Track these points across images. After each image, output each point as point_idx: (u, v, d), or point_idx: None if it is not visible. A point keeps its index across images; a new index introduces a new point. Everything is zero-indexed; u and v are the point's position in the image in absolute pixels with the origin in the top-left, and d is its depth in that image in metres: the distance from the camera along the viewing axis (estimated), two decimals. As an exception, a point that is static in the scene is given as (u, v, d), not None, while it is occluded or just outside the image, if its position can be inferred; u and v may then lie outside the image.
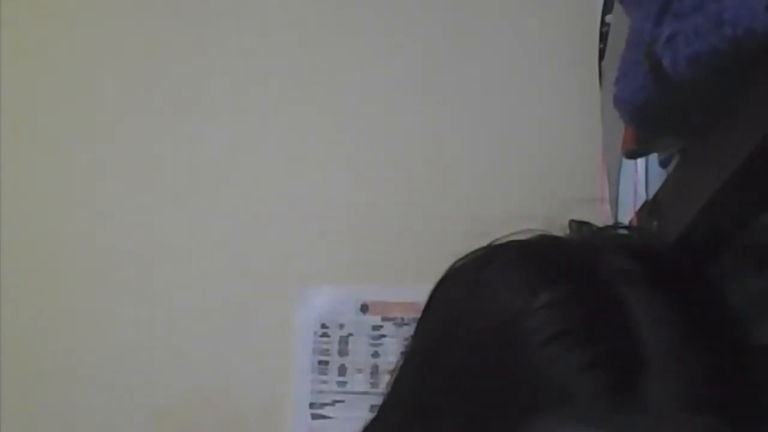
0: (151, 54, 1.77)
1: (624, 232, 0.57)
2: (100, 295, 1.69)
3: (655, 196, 1.01)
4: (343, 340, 1.68)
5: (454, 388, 0.48)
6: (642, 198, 1.04)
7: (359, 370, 1.69)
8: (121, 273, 1.70)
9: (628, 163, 1.08)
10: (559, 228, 0.59)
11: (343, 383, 1.67)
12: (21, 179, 1.72)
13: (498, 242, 0.56)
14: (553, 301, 0.47)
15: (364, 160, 1.69)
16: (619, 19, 1.10)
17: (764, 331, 1.00)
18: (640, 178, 1.05)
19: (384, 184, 1.66)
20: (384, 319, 1.66)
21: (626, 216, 1.07)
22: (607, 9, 1.27)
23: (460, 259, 0.56)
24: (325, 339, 1.68)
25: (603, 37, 1.30)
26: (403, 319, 1.64)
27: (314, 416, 1.66)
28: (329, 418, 1.67)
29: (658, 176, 1.01)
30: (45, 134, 1.76)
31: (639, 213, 1.03)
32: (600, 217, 1.26)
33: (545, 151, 1.66)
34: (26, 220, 1.72)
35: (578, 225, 0.57)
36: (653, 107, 0.82)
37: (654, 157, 1.02)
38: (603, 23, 1.30)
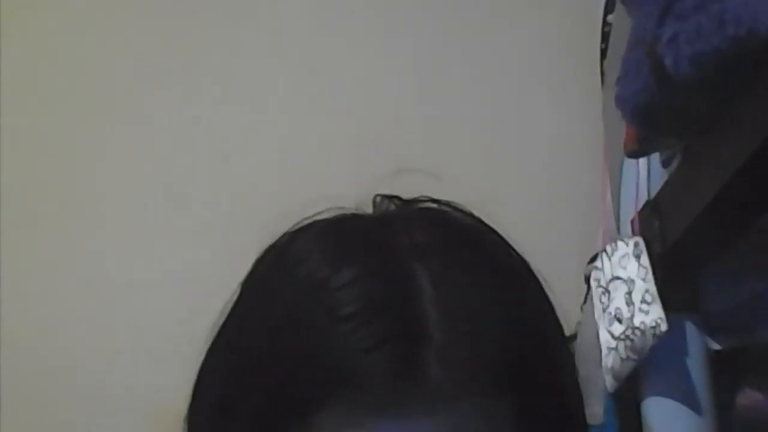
0: (151, 53, 1.77)
1: (431, 204, 0.53)
2: (100, 295, 1.69)
3: (657, 195, 1.01)
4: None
5: (251, 375, 0.47)
6: (644, 197, 1.04)
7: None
8: (121, 273, 1.70)
9: (629, 162, 1.08)
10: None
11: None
12: (21, 179, 1.72)
13: (303, 222, 0.53)
14: (348, 280, 0.46)
15: (361, 160, 1.69)
16: (621, 19, 1.10)
17: (764, 331, 1.00)
18: (642, 178, 1.05)
19: (382, 184, 1.66)
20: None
21: (628, 215, 1.08)
22: (609, 9, 1.27)
23: (276, 238, 0.54)
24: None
25: (605, 37, 1.30)
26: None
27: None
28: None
29: (660, 176, 1.02)
30: (45, 134, 1.76)
31: (641, 212, 1.03)
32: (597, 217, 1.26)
33: (546, 151, 1.66)
34: (26, 220, 1.72)
35: (383, 199, 0.53)
36: (655, 107, 0.82)
37: (656, 157, 1.02)
38: (605, 23, 1.30)
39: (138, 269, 1.70)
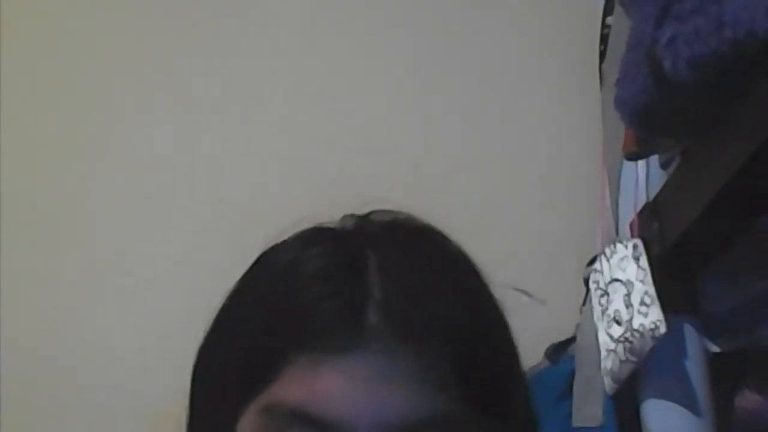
0: (150, 53, 1.78)
1: (395, 213, 0.64)
2: (100, 296, 1.69)
3: (656, 197, 1.01)
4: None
5: (238, 331, 0.60)
6: (643, 200, 1.04)
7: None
8: (121, 273, 1.70)
9: (628, 164, 1.08)
10: None
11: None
12: (21, 179, 1.73)
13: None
14: (311, 256, 0.59)
15: (360, 160, 1.69)
16: (619, 21, 1.10)
17: (764, 332, 1.00)
18: (641, 180, 1.05)
19: (381, 184, 1.66)
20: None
21: (627, 217, 1.08)
22: (607, 11, 1.27)
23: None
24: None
25: (604, 39, 1.30)
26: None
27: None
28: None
29: (659, 178, 1.02)
30: (45, 134, 1.76)
31: (640, 214, 1.03)
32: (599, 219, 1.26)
33: (545, 153, 1.66)
34: (26, 221, 1.73)
35: (351, 216, 0.65)
36: (654, 109, 0.82)
37: (655, 159, 1.02)
38: (604, 25, 1.30)
39: (138, 269, 1.70)
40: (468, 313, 0.56)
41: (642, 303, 0.93)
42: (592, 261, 1.06)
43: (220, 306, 0.65)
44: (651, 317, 0.91)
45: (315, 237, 0.62)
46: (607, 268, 1.00)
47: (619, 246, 0.99)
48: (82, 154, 1.76)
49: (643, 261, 0.95)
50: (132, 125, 1.77)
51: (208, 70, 1.78)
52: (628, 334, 0.93)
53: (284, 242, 0.64)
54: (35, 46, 1.78)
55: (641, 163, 1.04)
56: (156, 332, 1.66)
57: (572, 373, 1.08)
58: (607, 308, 0.98)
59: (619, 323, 0.95)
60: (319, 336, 0.55)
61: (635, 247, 0.97)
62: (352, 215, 0.65)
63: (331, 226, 0.64)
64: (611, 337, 0.96)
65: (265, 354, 0.56)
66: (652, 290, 0.92)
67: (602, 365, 0.97)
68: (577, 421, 1.05)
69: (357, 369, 0.54)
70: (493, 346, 0.57)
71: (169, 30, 1.79)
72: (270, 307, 0.58)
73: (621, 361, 0.94)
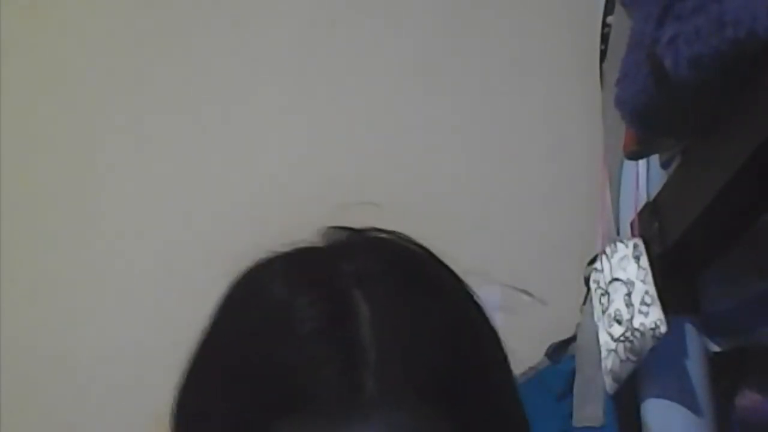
0: (150, 53, 1.77)
1: (378, 234, 0.60)
2: (100, 296, 1.69)
3: (657, 197, 1.01)
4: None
5: (223, 387, 0.55)
6: (643, 199, 1.04)
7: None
8: (121, 273, 1.70)
9: (629, 164, 1.08)
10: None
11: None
12: (21, 180, 1.72)
13: (273, 251, 0.60)
14: (300, 306, 0.53)
15: (360, 160, 1.69)
16: (620, 21, 1.10)
17: (764, 332, 1.00)
18: (642, 179, 1.05)
19: (381, 184, 1.66)
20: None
21: (627, 217, 1.08)
22: (608, 10, 1.27)
23: (246, 268, 0.61)
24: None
25: (604, 39, 1.30)
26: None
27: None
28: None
29: (660, 177, 1.02)
30: (45, 134, 1.76)
31: (640, 214, 1.03)
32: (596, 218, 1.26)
33: (546, 153, 1.66)
34: (26, 221, 1.72)
35: (334, 230, 0.60)
36: (654, 108, 0.82)
37: (655, 159, 1.02)
38: (604, 24, 1.30)
39: (138, 270, 1.70)
40: (466, 364, 0.53)
41: (643, 302, 0.93)
42: (593, 260, 1.06)
43: (199, 349, 0.60)
44: (652, 317, 0.91)
45: (301, 275, 0.56)
46: (608, 267, 1.00)
47: (619, 245, 0.99)
48: (83, 154, 1.76)
49: (644, 260, 0.95)
50: (132, 125, 1.77)
51: (207, 70, 1.78)
52: (628, 334, 0.93)
53: (264, 279, 0.58)
54: (35, 46, 1.78)
55: (642, 162, 1.04)
56: (156, 332, 1.65)
57: (573, 373, 1.08)
58: (607, 308, 0.98)
59: (619, 323, 0.95)
60: (313, 406, 0.50)
61: (636, 246, 0.97)
62: (337, 236, 0.60)
63: (316, 259, 0.58)
64: (612, 336, 0.96)
65: (251, 424, 0.52)
66: (652, 290, 0.92)
67: (603, 365, 0.97)
68: (577, 421, 1.05)
69: None
70: (492, 392, 0.55)
71: (170, 28, 1.79)
72: (254, 368, 0.53)
73: (621, 361, 0.94)
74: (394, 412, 0.51)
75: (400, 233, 0.60)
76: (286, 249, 0.60)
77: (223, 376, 0.55)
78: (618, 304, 0.97)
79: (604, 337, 0.97)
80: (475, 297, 0.58)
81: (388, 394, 0.50)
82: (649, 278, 0.93)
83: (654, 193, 1.02)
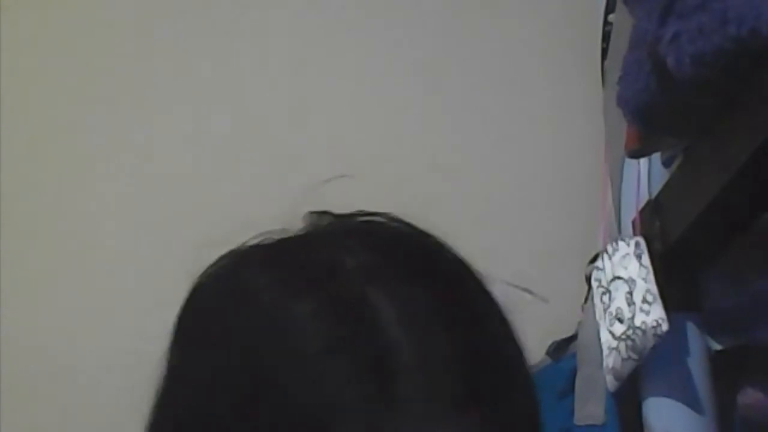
0: (150, 52, 1.77)
1: (368, 218, 0.51)
2: (100, 296, 1.69)
3: (658, 195, 1.01)
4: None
5: (221, 412, 0.45)
6: (645, 197, 1.04)
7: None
8: (121, 273, 1.70)
9: (630, 162, 1.08)
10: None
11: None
12: (21, 180, 1.72)
13: (244, 246, 0.51)
14: (306, 315, 0.44)
15: (360, 160, 1.68)
16: (622, 18, 1.10)
17: (765, 330, 1.00)
18: (643, 178, 1.05)
19: (381, 185, 1.66)
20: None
21: (629, 215, 1.07)
22: (610, 8, 1.27)
23: (207, 268, 0.52)
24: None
25: (606, 37, 1.30)
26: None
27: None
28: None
29: (661, 176, 1.02)
30: (45, 134, 1.75)
31: (642, 212, 1.03)
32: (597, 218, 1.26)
33: (547, 151, 1.66)
34: (26, 221, 1.72)
35: (318, 216, 0.51)
36: (656, 106, 0.82)
37: (657, 157, 1.02)
38: (606, 22, 1.30)
39: (138, 269, 1.70)
40: (499, 367, 0.48)
41: (644, 301, 0.93)
42: (594, 259, 1.05)
43: (167, 385, 0.51)
44: (653, 315, 0.91)
45: (292, 277, 0.47)
46: (609, 265, 1.00)
47: (621, 244, 0.99)
48: (82, 154, 1.76)
49: (645, 259, 0.95)
50: (132, 125, 1.76)
51: (207, 70, 1.78)
52: (630, 332, 0.93)
53: (245, 281, 0.49)
54: (35, 46, 1.78)
55: (643, 160, 1.04)
56: (156, 332, 1.65)
57: (574, 371, 1.08)
58: (609, 306, 0.98)
59: (621, 321, 0.95)
60: (340, 424, 0.43)
61: (637, 244, 0.97)
62: (322, 223, 0.51)
63: (305, 252, 0.49)
64: (613, 334, 0.96)
65: None
66: (654, 288, 0.92)
67: (604, 363, 0.97)
68: (578, 419, 1.05)
69: None
70: (520, 387, 0.49)
71: (170, 28, 1.79)
72: (267, 389, 0.44)
73: (623, 359, 0.94)
74: (428, 423, 0.44)
75: (389, 213, 0.52)
76: (264, 240, 0.51)
77: (222, 405, 0.46)
78: (619, 302, 0.96)
79: (605, 336, 0.97)
80: (472, 269, 0.51)
81: (420, 404, 0.43)
82: (651, 276, 0.93)
83: (655, 192, 1.02)
